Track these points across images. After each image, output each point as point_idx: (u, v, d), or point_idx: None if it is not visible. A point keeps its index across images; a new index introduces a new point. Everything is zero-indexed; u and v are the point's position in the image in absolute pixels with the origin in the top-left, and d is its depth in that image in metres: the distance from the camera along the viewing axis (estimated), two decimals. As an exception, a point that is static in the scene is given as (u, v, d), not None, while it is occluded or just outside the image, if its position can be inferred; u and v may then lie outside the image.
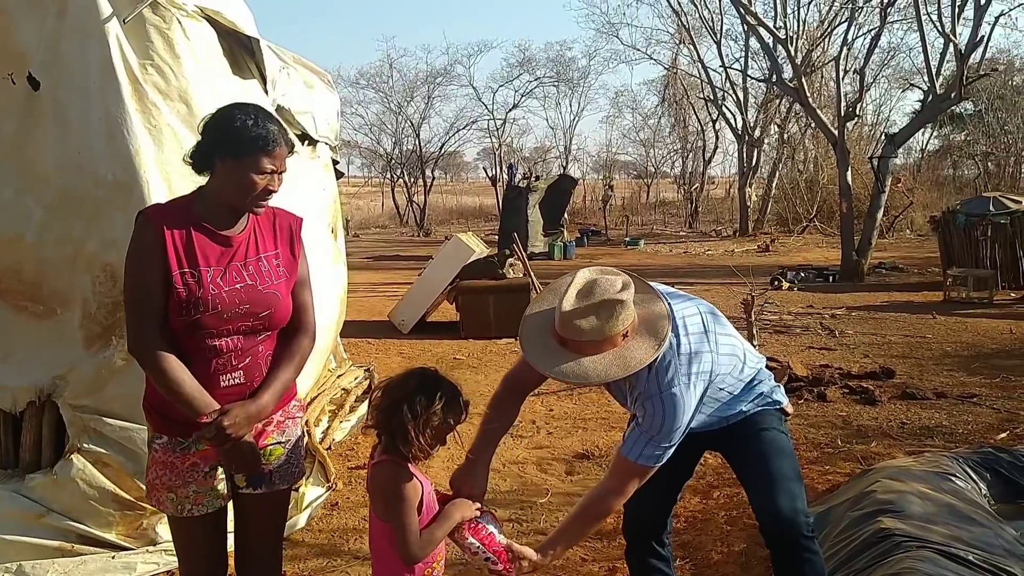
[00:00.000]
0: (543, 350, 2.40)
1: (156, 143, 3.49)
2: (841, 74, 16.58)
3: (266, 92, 4.49)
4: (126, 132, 3.43)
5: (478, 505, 2.41)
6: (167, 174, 3.43)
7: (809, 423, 5.57)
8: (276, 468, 2.47)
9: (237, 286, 2.32)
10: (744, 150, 26.10)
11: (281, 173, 2.34)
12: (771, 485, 2.52)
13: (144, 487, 3.41)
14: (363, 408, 5.84)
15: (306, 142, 5.39)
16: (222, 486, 2.43)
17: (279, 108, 4.70)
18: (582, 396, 6.61)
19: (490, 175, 32.13)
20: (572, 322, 2.31)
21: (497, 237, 19.21)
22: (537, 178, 22.04)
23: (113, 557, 3.50)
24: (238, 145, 2.26)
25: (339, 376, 6.19)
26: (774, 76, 18.16)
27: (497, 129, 34.10)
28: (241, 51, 4.33)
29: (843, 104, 15.92)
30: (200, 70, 3.74)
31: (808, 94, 16.18)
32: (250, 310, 2.33)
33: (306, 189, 5.12)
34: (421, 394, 2.21)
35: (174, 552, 2.60)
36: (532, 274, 9.77)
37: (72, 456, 3.52)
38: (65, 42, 3.44)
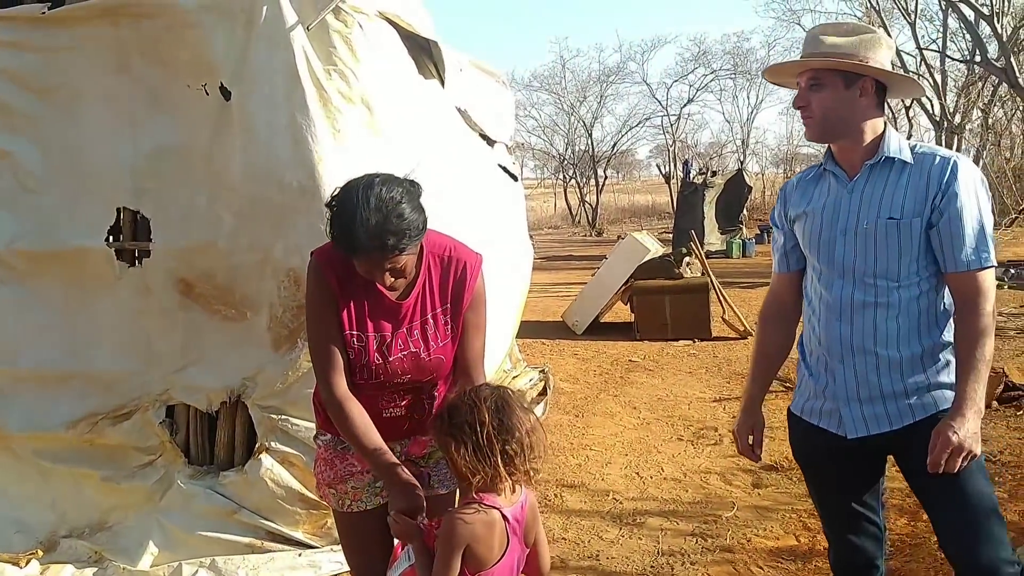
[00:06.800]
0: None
1: (339, 148, 3.52)
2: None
3: (443, 87, 4.48)
4: (311, 138, 3.48)
5: None
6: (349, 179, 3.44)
7: (1034, 440, 4.96)
8: (434, 471, 2.43)
9: (402, 355, 2.26)
10: (943, 137, 24.10)
11: (400, 268, 2.12)
12: (966, 527, 2.07)
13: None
14: (539, 410, 5.77)
15: (484, 142, 5.39)
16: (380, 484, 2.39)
17: (457, 110, 4.70)
18: (768, 402, 6.22)
19: (663, 172, 31.49)
20: (816, 35, 2.15)
21: (672, 235, 18.78)
22: (714, 174, 21.35)
23: (300, 555, 3.56)
24: (342, 242, 2.09)
25: (514, 377, 6.15)
26: (977, 56, 16.65)
27: (671, 125, 33.40)
28: (420, 53, 4.34)
29: (1059, 84, 14.35)
30: (380, 73, 3.75)
31: (1018, 74, 14.70)
32: (412, 378, 2.29)
33: (486, 189, 5.10)
34: None
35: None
36: (711, 273, 9.37)
37: (261, 455, 3.62)
38: (253, 52, 3.51)
